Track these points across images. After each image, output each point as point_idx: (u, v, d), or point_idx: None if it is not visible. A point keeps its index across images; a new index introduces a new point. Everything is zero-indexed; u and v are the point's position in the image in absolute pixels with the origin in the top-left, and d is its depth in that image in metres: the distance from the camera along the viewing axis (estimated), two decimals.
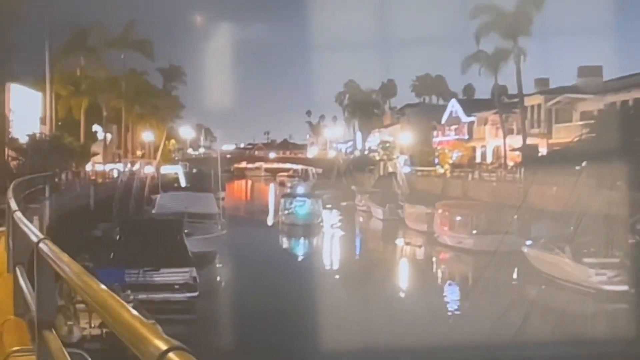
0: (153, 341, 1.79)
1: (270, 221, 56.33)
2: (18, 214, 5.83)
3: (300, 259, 40.39)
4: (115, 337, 2.09)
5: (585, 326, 22.55)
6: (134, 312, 2.12)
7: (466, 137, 73.43)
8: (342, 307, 23.61)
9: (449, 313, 24.93)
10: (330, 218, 53.87)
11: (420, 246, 41.51)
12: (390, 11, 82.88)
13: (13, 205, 6.74)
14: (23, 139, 40.48)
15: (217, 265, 31.68)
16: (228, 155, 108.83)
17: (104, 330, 14.83)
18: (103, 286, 2.56)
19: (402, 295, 28.52)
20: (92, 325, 15.77)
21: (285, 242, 45.75)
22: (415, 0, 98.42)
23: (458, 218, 38.24)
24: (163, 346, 1.74)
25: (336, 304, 23.85)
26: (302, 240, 45.41)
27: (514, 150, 56.14)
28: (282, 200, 52.71)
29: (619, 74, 54.57)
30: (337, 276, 33.15)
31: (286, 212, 49.86)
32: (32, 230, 4.46)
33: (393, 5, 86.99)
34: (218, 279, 28.71)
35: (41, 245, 3.68)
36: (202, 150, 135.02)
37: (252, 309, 23.39)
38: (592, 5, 63.59)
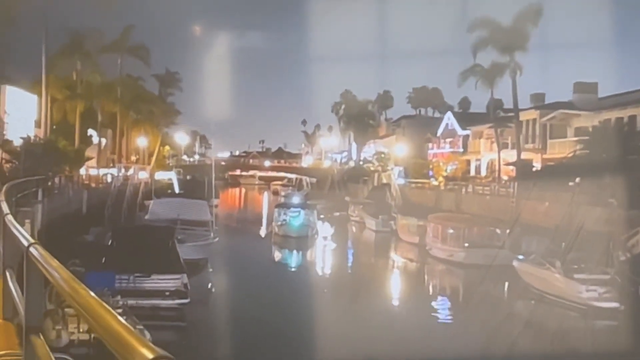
0: (139, 349, 1.79)
1: (263, 232, 55.62)
2: (9, 217, 5.79)
3: (292, 270, 40.26)
4: (102, 343, 2.08)
5: (575, 342, 22.53)
6: (121, 319, 2.10)
7: (461, 150, 73.46)
8: (334, 319, 23.52)
9: (440, 326, 24.87)
10: (323, 229, 53.60)
11: (412, 259, 41.48)
12: (388, 23, 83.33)
13: (4, 208, 6.70)
14: (17, 142, 40.34)
15: (209, 272, 31.59)
16: (222, 163, 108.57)
17: (92, 336, 14.80)
18: (91, 292, 2.54)
19: (393, 308, 28.45)
20: (81, 330, 15.74)
21: (278, 254, 45.27)
22: (414, 13, 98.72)
23: (450, 231, 38.25)
24: (149, 355, 1.73)
25: (327, 315, 23.76)
26: (295, 252, 45.09)
27: (508, 164, 56.23)
28: (275, 211, 51.36)
29: (614, 91, 54.98)
30: (328, 288, 33.01)
31: (279, 223, 48.88)
32: (23, 234, 4.43)
33: (391, 17, 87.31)
34: (209, 286, 28.59)
35: (31, 249, 3.65)
36: (196, 157, 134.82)
37: (242, 318, 23.30)
38: (588, 22, 64.12)
